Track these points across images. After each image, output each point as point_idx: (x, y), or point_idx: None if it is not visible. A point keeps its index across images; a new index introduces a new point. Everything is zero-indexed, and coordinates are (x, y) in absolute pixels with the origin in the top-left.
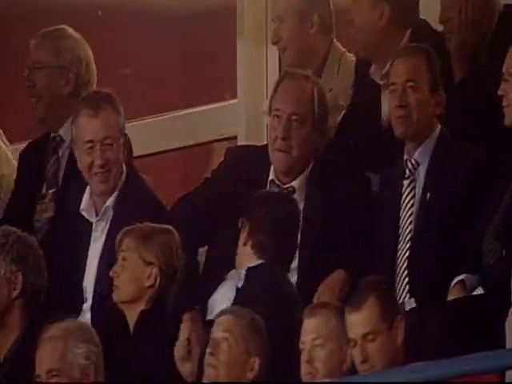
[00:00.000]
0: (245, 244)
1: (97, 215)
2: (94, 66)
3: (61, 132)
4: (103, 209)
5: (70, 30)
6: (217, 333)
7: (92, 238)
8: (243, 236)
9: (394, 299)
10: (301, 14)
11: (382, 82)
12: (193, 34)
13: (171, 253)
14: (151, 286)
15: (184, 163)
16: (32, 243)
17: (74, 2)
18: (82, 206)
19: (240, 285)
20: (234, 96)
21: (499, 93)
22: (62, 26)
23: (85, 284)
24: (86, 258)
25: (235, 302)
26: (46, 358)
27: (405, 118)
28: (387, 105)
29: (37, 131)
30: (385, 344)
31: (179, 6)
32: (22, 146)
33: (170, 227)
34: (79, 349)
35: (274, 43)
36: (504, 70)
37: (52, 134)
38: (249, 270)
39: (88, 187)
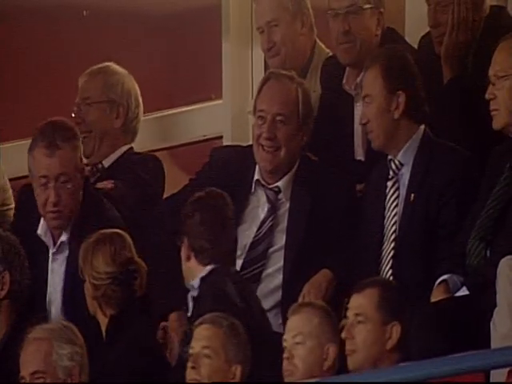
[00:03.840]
0: (188, 258)
1: (54, 243)
2: (141, 101)
3: (104, 162)
4: (59, 243)
5: (116, 66)
6: (196, 347)
7: (50, 267)
8: (184, 251)
9: (397, 304)
10: (293, 15)
11: (354, 93)
12: (178, 34)
13: (99, 262)
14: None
15: (169, 164)
16: (14, 242)
17: (59, 2)
18: (39, 230)
19: (195, 294)
20: (220, 96)
21: (487, 96)
22: (107, 63)
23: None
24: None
25: (193, 312)
26: (30, 360)
27: (370, 134)
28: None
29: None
30: (372, 335)
31: (164, 6)
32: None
33: (116, 233)
34: (63, 350)
35: (269, 49)
36: (491, 73)
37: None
38: (201, 279)
39: None
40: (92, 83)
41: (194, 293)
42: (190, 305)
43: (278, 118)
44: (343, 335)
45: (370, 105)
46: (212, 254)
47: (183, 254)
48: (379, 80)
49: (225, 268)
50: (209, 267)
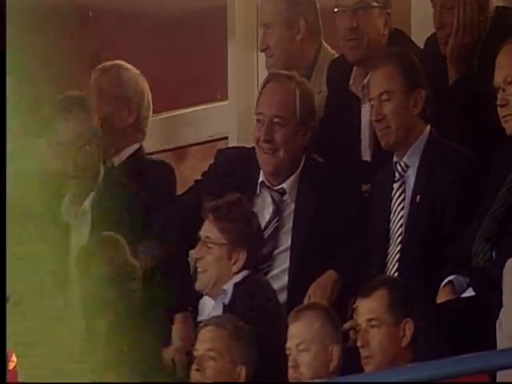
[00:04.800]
0: (231, 259)
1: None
2: (151, 103)
3: (114, 159)
4: (80, 211)
5: (129, 65)
6: (201, 349)
7: (73, 242)
8: (223, 249)
9: (406, 300)
10: (287, 21)
11: (361, 94)
12: (183, 35)
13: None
14: None
15: (174, 165)
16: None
17: (65, 2)
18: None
19: (226, 301)
20: (225, 97)
21: (499, 103)
22: (119, 61)
23: None
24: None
25: None
26: None
27: (385, 130)
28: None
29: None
30: (387, 336)
31: (170, 7)
32: None
33: (111, 236)
34: None
35: (262, 50)
36: (499, 79)
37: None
38: (235, 285)
39: None
40: (105, 78)
41: (225, 299)
42: (217, 310)
43: (276, 119)
44: (358, 344)
45: (388, 101)
46: (250, 260)
47: (222, 252)
48: (397, 77)
49: (258, 276)
50: (241, 274)
